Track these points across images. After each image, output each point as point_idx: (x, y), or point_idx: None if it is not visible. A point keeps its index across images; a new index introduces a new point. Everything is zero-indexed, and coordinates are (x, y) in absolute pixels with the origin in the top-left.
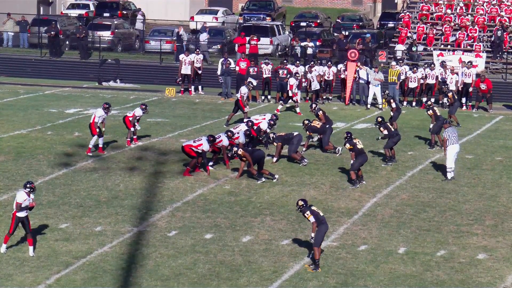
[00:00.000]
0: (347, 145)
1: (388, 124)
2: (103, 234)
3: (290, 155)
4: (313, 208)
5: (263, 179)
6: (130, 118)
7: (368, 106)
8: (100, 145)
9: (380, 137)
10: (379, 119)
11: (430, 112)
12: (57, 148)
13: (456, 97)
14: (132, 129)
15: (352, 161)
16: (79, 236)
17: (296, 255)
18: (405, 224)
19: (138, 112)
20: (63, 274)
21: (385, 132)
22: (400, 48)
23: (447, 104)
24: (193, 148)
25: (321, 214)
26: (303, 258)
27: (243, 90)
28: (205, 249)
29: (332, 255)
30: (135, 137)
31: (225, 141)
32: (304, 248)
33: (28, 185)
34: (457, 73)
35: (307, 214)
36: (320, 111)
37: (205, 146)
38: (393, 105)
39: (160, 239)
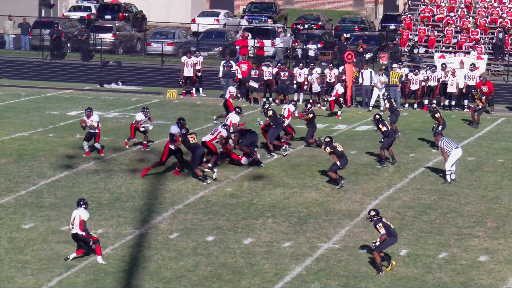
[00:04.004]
0: (328, 149)
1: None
2: (104, 236)
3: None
4: (384, 220)
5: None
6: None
7: (370, 108)
8: (87, 149)
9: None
10: (377, 116)
11: (438, 115)
12: (59, 150)
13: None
14: (137, 134)
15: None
16: None
17: (297, 257)
18: (406, 226)
19: (140, 116)
20: (65, 276)
21: (384, 128)
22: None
23: (478, 108)
24: (213, 141)
25: (392, 226)
26: (305, 260)
27: (232, 89)
28: (206, 251)
29: (334, 257)
30: (144, 142)
31: (224, 133)
32: (306, 250)
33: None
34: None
35: (379, 226)
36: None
37: (224, 133)
38: (387, 105)
39: (161, 241)
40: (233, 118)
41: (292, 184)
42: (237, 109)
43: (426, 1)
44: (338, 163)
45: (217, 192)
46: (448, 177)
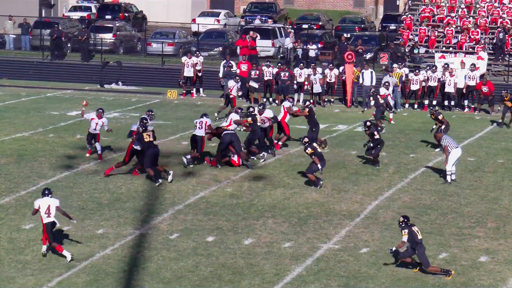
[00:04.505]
0: (309, 150)
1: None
2: (105, 236)
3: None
4: (414, 228)
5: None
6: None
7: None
8: (89, 148)
9: (369, 144)
10: (368, 123)
11: (441, 116)
12: (59, 151)
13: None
14: None
15: (312, 164)
16: (81, 239)
17: (297, 257)
18: None
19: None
20: (65, 276)
21: (377, 136)
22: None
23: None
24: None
25: (420, 237)
26: (305, 261)
27: (231, 83)
28: (207, 251)
29: (334, 258)
30: None
31: (208, 121)
32: (306, 250)
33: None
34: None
35: (403, 232)
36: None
37: (209, 121)
38: (372, 102)
39: (162, 242)
40: (234, 116)
41: (293, 185)
42: (237, 109)
43: (426, 1)
44: (319, 165)
45: (217, 193)
46: (448, 178)
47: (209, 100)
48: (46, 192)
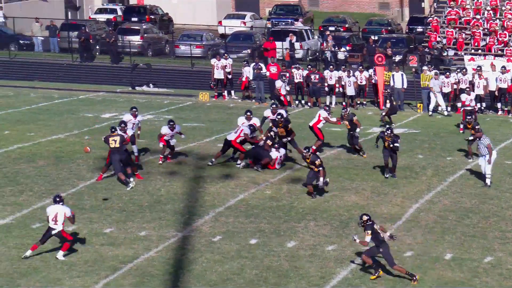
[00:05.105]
0: (318, 160)
1: None
2: (148, 239)
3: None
4: (375, 226)
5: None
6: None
7: (430, 112)
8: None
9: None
10: (394, 131)
11: (479, 126)
12: (96, 153)
13: None
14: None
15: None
16: (125, 241)
17: (342, 260)
18: (449, 230)
19: (165, 130)
20: (112, 278)
21: (397, 145)
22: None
23: None
24: (238, 139)
25: (382, 235)
26: (350, 264)
27: (278, 83)
28: (251, 254)
29: (379, 262)
30: (169, 156)
31: (246, 130)
32: (350, 253)
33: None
34: (486, 78)
35: (367, 232)
36: (355, 116)
37: (246, 130)
38: (388, 104)
39: (205, 244)
40: (239, 120)
41: (331, 187)
42: (247, 113)
43: (451, 3)
44: (321, 179)
45: (257, 195)
46: (488, 181)
47: (241, 102)
48: (58, 199)
